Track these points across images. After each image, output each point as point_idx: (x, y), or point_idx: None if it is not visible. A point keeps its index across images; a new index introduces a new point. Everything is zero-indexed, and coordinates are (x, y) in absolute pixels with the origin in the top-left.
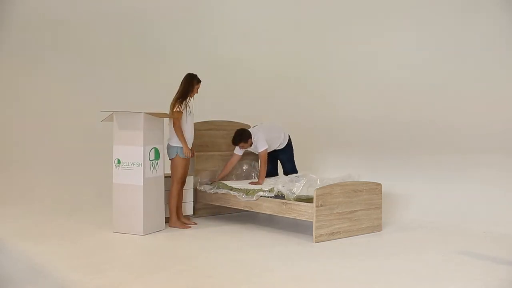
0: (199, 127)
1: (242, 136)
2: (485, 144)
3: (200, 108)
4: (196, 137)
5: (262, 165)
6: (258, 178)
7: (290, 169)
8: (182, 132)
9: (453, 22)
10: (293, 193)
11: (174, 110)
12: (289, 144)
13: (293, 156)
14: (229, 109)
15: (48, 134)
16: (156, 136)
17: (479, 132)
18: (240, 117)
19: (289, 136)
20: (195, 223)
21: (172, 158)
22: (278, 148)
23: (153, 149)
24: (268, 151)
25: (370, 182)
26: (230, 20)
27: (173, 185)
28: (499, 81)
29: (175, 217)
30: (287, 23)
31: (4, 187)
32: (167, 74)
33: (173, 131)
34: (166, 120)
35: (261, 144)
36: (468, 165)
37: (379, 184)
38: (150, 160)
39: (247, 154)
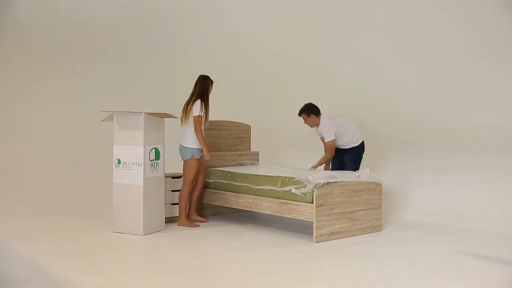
0: None
1: (307, 107)
2: (485, 144)
3: None
4: None
5: (327, 154)
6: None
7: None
8: (203, 135)
9: (455, 22)
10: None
11: (196, 114)
12: (359, 148)
13: (358, 161)
14: (229, 109)
15: (48, 134)
16: (156, 136)
17: (479, 132)
18: (241, 117)
19: (362, 141)
20: (206, 220)
21: (187, 159)
22: (344, 147)
23: (154, 149)
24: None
25: (370, 182)
26: (230, 19)
27: (185, 186)
28: (499, 81)
29: (184, 216)
30: (288, 23)
31: (4, 187)
32: (168, 74)
33: (188, 132)
34: (168, 120)
35: (328, 133)
36: (468, 165)
37: (379, 184)
38: (151, 160)
39: (247, 154)
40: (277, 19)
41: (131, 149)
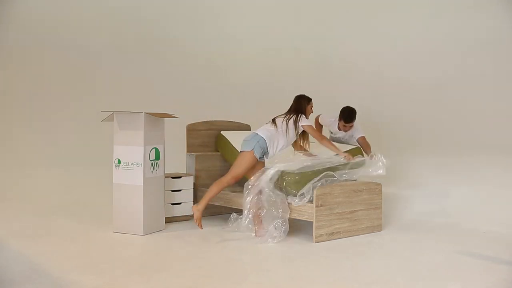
0: (199, 127)
1: (354, 112)
2: (485, 144)
3: (200, 108)
4: (196, 137)
5: (367, 149)
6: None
7: None
8: (328, 140)
9: (458, 20)
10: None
11: (305, 124)
12: None
13: None
14: (229, 109)
15: (48, 134)
16: (156, 136)
17: (480, 131)
18: (240, 117)
19: None
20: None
21: (245, 151)
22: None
23: (154, 149)
24: None
25: (370, 182)
26: (229, 18)
27: (227, 177)
28: (501, 80)
29: (202, 206)
30: (287, 22)
31: (4, 187)
32: (168, 74)
33: (272, 130)
34: (168, 120)
35: (360, 129)
36: (468, 165)
37: (379, 184)
38: (151, 160)
39: None
40: (278, 18)
41: (131, 149)
